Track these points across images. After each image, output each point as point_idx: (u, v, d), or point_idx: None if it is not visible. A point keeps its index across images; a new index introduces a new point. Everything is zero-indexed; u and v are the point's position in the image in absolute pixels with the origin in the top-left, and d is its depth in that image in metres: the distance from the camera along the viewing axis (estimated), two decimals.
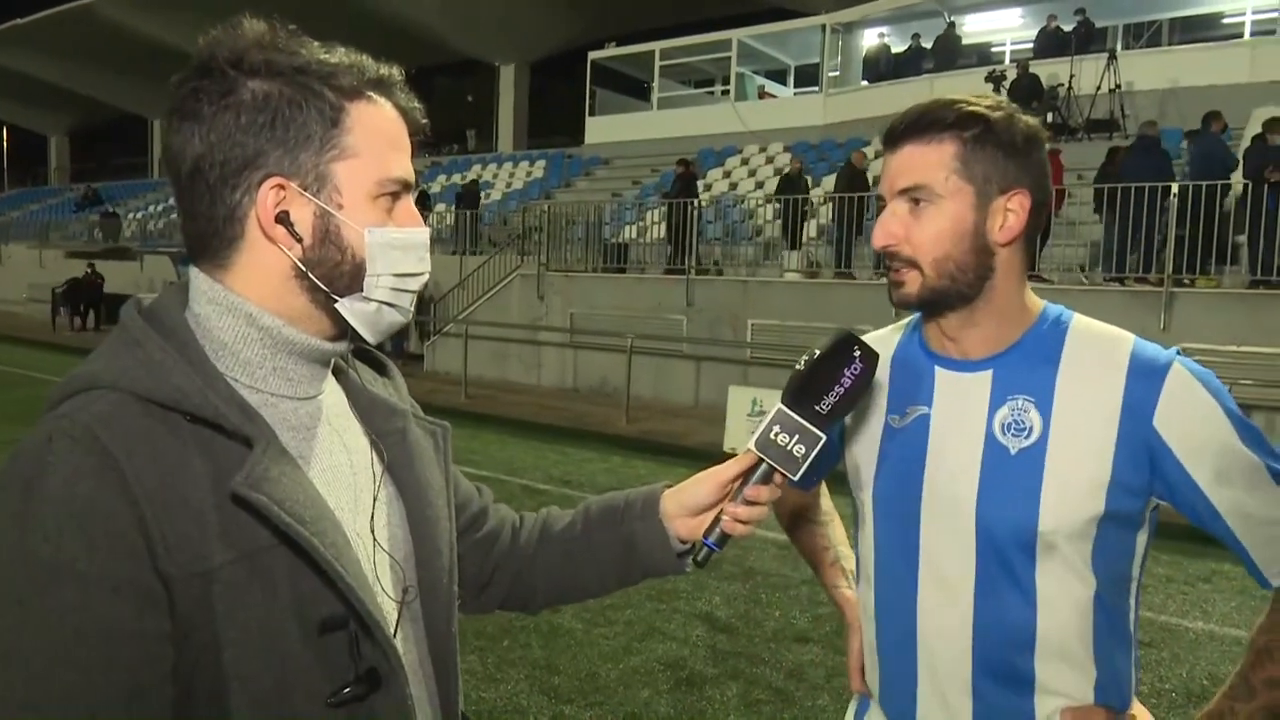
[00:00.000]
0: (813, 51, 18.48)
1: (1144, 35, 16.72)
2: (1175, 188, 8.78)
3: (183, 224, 0.82)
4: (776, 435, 0.97)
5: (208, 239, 0.81)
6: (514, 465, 7.92)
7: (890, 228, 1.11)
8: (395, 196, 0.83)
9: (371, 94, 0.82)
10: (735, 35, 18.63)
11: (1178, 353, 1.11)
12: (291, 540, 0.74)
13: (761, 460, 0.99)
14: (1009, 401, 1.12)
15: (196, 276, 0.82)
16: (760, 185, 15.12)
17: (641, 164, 17.97)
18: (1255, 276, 8.58)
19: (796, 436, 0.97)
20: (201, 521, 0.72)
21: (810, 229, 12.50)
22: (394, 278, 0.83)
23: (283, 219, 0.78)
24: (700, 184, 14.10)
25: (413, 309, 0.86)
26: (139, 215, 24.97)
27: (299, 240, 0.79)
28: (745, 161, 16.49)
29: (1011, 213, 1.10)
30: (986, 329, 1.14)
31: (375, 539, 0.86)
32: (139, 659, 0.68)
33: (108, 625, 0.67)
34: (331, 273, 0.81)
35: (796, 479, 0.99)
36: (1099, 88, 12.88)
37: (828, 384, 0.97)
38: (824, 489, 1.51)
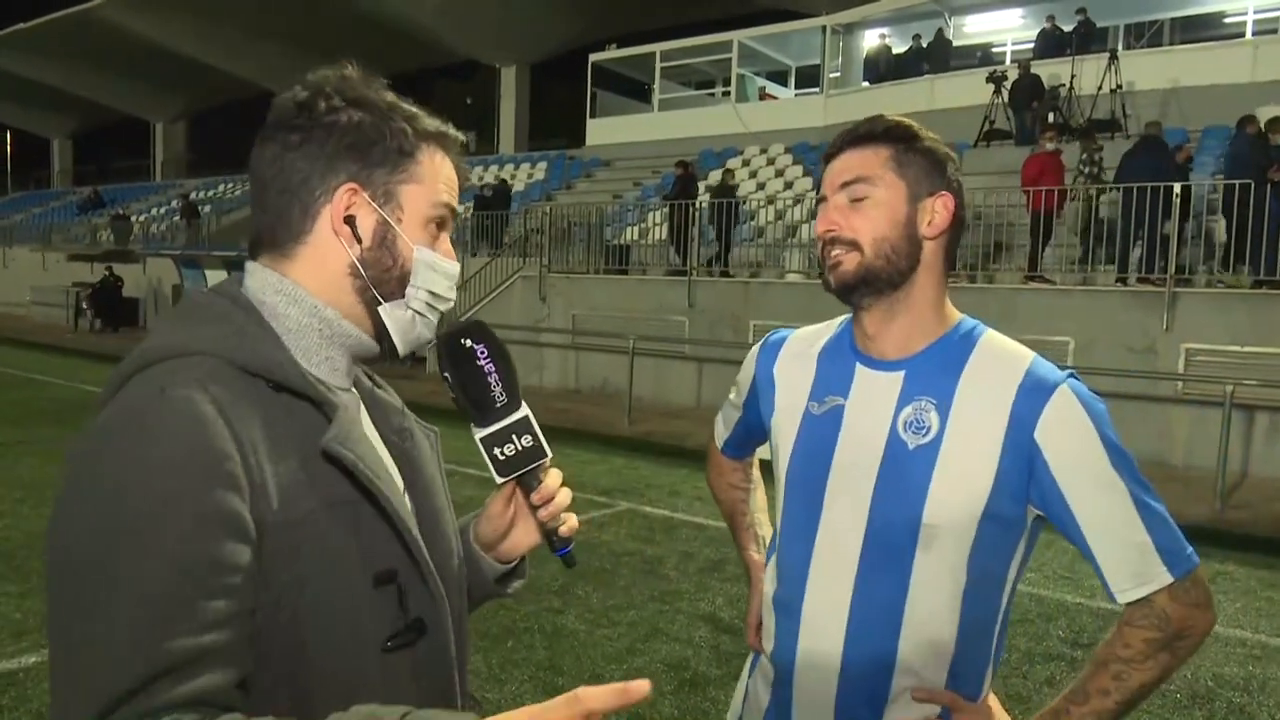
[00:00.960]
0: (813, 53, 18.49)
1: (1145, 35, 16.72)
2: (1178, 187, 8.77)
3: (255, 218, 0.93)
4: (500, 454, 0.96)
5: (278, 232, 0.91)
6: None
7: (832, 216, 1.24)
8: (440, 227, 0.95)
9: (439, 144, 0.95)
10: (736, 37, 18.65)
11: (1071, 375, 1.21)
12: (368, 495, 0.85)
13: (516, 477, 0.98)
14: (914, 401, 1.23)
15: (261, 270, 0.91)
16: (762, 187, 15.13)
17: (643, 165, 17.98)
18: (1258, 276, 8.57)
19: (511, 437, 0.96)
20: (293, 474, 0.81)
21: (813, 230, 12.50)
22: (429, 294, 0.94)
23: (350, 221, 0.90)
24: (701, 185, 14.11)
25: (437, 331, 0.97)
26: (141, 218, 25.01)
27: (359, 241, 0.91)
28: (746, 163, 16.49)
29: (938, 212, 1.24)
30: (904, 325, 1.25)
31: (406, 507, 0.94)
32: (237, 590, 0.75)
33: (215, 558, 0.74)
34: (381, 276, 0.92)
35: (549, 455, 0.98)
36: (1100, 88, 12.87)
37: (481, 383, 0.95)
38: (755, 461, 1.62)
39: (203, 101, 31.39)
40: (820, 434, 1.28)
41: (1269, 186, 8.49)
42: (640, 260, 13.51)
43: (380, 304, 0.92)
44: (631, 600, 4.59)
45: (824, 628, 1.25)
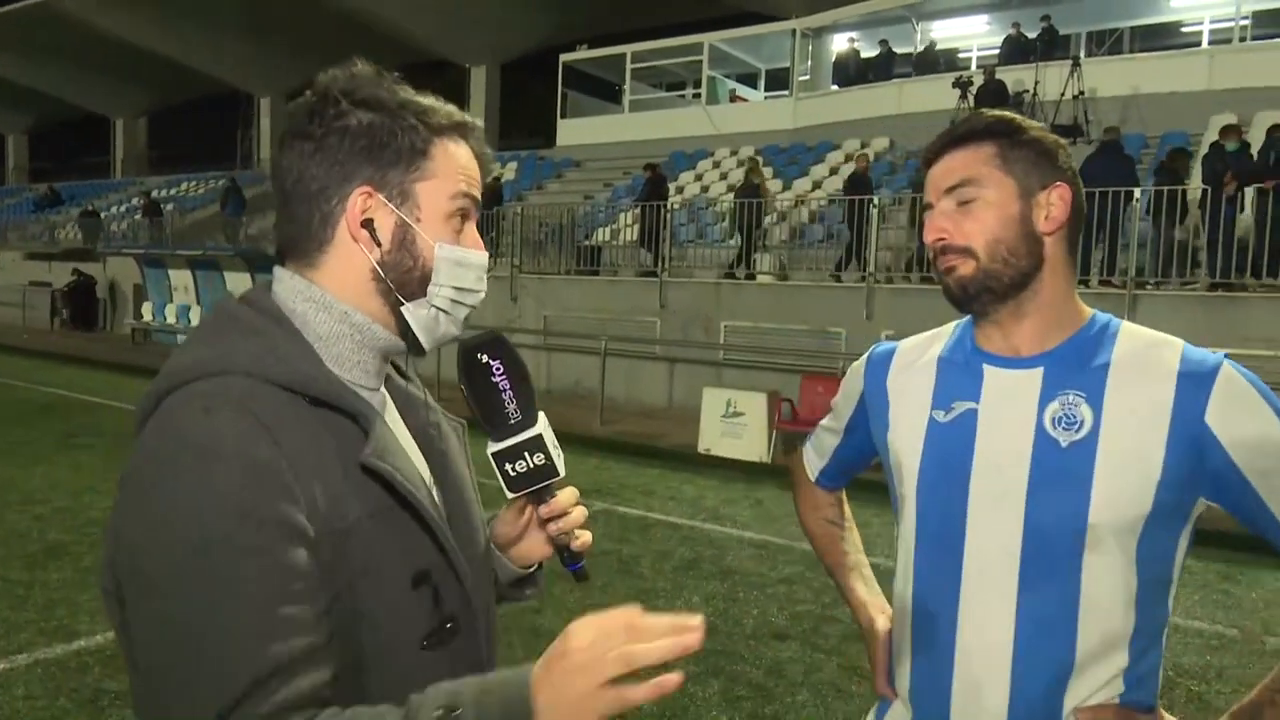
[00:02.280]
0: (783, 55, 18.63)
1: (1106, 43, 17.07)
2: (1138, 192, 8.98)
3: (280, 227, 0.93)
4: (512, 470, 0.95)
5: (301, 241, 0.92)
6: (489, 468, 7.90)
7: (940, 223, 1.16)
8: (464, 218, 0.94)
9: (456, 135, 0.94)
10: (706, 39, 18.73)
11: (1225, 356, 1.13)
12: (406, 503, 0.87)
13: (528, 493, 0.98)
14: (1059, 396, 1.13)
15: (290, 277, 0.92)
16: (732, 189, 15.23)
17: (613, 166, 17.99)
18: (1214, 279, 8.81)
19: (525, 454, 0.95)
20: (337, 484, 0.83)
21: (782, 231, 12.62)
22: (454, 290, 0.94)
23: (367, 225, 0.90)
24: (672, 187, 14.14)
25: (465, 326, 0.97)
26: (101, 216, 24.48)
27: (379, 245, 0.90)
28: (717, 164, 16.58)
29: (1054, 204, 1.15)
30: (1036, 323, 1.16)
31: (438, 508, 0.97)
32: (315, 594, 0.79)
33: (291, 565, 0.77)
34: (403, 277, 0.91)
35: (562, 473, 0.97)
36: (1063, 94, 13.14)
37: (496, 399, 0.95)
38: (844, 497, 1.51)
39: (166, 98, 30.78)
40: (952, 443, 1.18)
41: (1224, 192, 8.74)
42: (611, 261, 13.52)
43: (403, 304, 0.92)
44: (608, 600, 4.56)
45: (985, 656, 1.14)
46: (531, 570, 1.08)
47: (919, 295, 9.63)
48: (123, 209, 25.17)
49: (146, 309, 19.17)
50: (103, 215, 24.19)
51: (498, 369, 0.95)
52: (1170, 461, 1.09)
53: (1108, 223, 9.02)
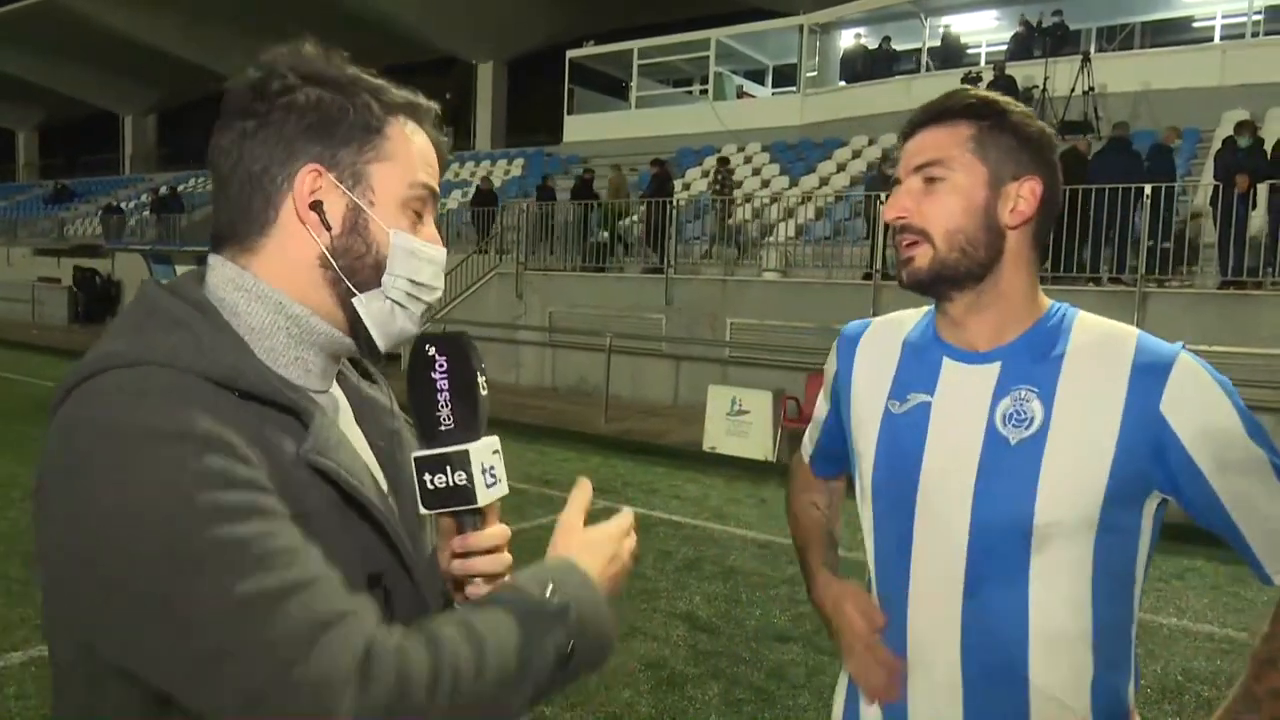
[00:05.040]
0: (790, 52, 18.55)
1: (1117, 38, 16.93)
2: (1148, 189, 8.89)
3: (216, 212, 0.86)
4: (430, 482, 0.85)
5: (239, 225, 0.85)
6: None
7: (902, 201, 1.13)
8: (421, 212, 0.89)
9: (411, 117, 0.88)
10: (713, 35, 18.66)
11: (1183, 347, 1.11)
12: (352, 500, 0.81)
13: (446, 514, 0.88)
14: (1012, 392, 1.11)
15: (222, 264, 0.85)
16: (739, 185, 15.15)
17: (620, 163, 17.94)
18: (1225, 277, 8.71)
19: (446, 468, 0.84)
20: (284, 474, 0.76)
21: (789, 228, 12.56)
22: (410, 283, 0.87)
23: (316, 207, 0.83)
24: (679, 183, 14.08)
25: (423, 324, 0.91)
26: (100, 214, 24.55)
27: (329, 228, 0.84)
28: (725, 160, 16.49)
29: (1023, 198, 1.11)
30: (992, 317, 1.14)
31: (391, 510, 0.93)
32: (299, 534, 0.73)
33: (280, 516, 0.72)
34: (354, 264, 0.85)
35: (480, 503, 0.85)
36: (1073, 90, 13.02)
37: (430, 398, 0.86)
38: (839, 491, 1.45)
39: (175, 95, 30.85)
40: (905, 436, 1.16)
41: (1236, 189, 8.64)
42: (617, 258, 13.48)
43: (354, 295, 0.85)
44: None
45: (936, 657, 1.13)
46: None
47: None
48: (131, 205, 25.24)
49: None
50: (104, 213, 24.24)
51: (440, 366, 0.86)
52: (1122, 455, 1.06)
53: (1117, 220, 8.92)
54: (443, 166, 0.92)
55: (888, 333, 1.26)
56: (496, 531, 0.90)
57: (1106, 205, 9.00)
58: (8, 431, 8.39)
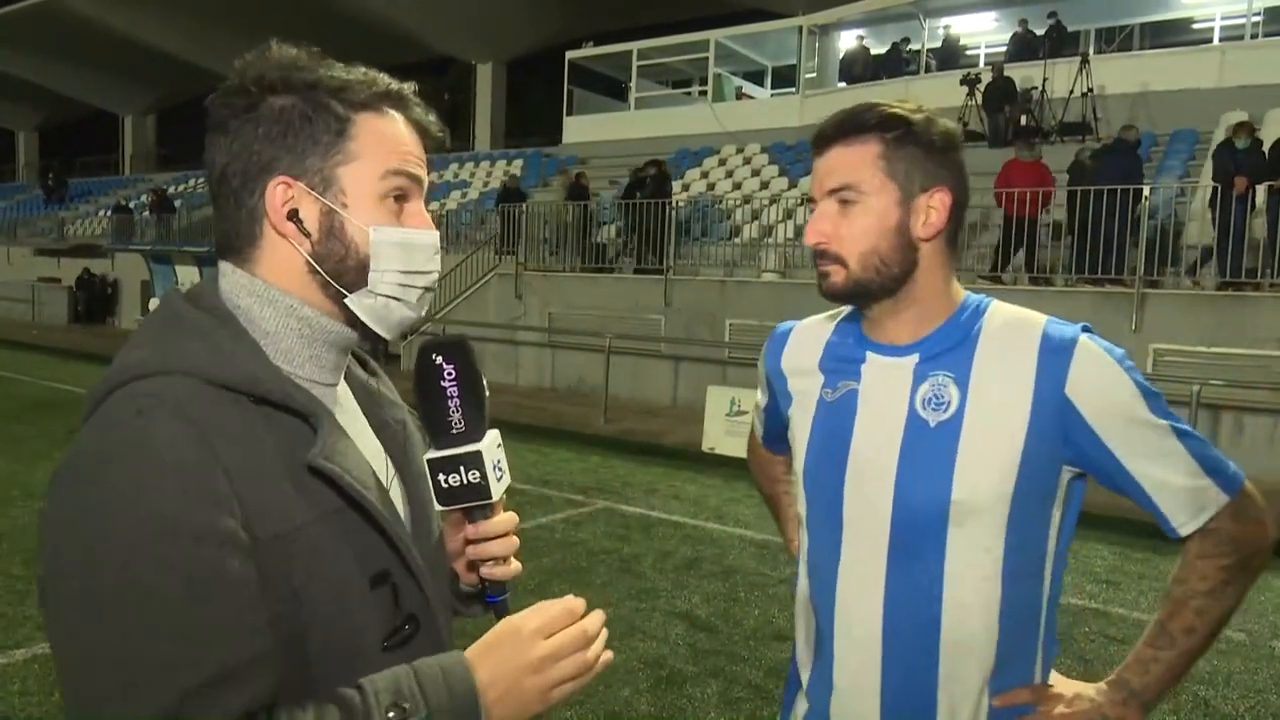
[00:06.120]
0: (789, 53, 18.56)
1: (1115, 40, 16.95)
2: (1147, 190, 8.90)
3: (215, 223, 0.90)
4: (445, 482, 0.91)
5: (233, 237, 0.88)
6: None
7: (820, 226, 1.20)
8: (402, 199, 0.89)
9: (383, 107, 0.89)
10: (713, 36, 18.66)
11: (1084, 328, 1.19)
12: (356, 504, 0.84)
13: (458, 510, 0.95)
14: (930, 378, 1.20)
15: (233, 271, 0.88)
16: (738, 186, 15.17)
17: (619, 164, 17.94)
18: (1224, 278, 8.73)
19: (460, 468, 0.91)
20: (279, 489, 0.80)
21: (788, 229, 12.57)
22: (400, 274, 0.89)
23: (292, 216, 0.86)
24: (678, 184, 14.07)
25: (425, 307, 0.93)
26: (109, 213, 24.55)
27: (307, 235, 0.86)
28: (723, 162, 16.53)
29: (933, 209, 1.18)
30: (911, 316, 1.22)
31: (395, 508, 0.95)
32: (252, 604, 0.76)
33: (222, 574, 0.74)
34: (338, 267, 0.87)
35: (495, 498, 0.93)
36: (1071, 91, 13.04)
37: (441, 405, 0.91)
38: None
39: (174, 95, 30.83)
40: (836, 421, 1.25)
41: (1233, 191, 8.66)
42: (616, 259, 13.49)
43: (345, 296, 0.88)
44: (608, 598, 4.58)
45: (861, 624, 1.21)
46: (478, 588, 1.04)
47: None
48: (130, 205, 25.22)
49: (153, 305, 19.25)
50: (113, 213, 24.22)
51: (449, 374, 0.90)
52: (1033, 435, 1.14)
53: (1116, 222, 8.94)
54: (430, 144, 0.92)
55: (816, 328, 1.36)
56: (505, 518, 0.96)
57: (1105, 207, 9.01)
58: (7, 431, 8.40)
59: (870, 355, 1.25)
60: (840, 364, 1.28)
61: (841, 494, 1.23)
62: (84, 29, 25.66)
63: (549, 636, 0.82)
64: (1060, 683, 1.24)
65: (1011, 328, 1.20)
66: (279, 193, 0.85)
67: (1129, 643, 4.35)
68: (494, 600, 0.97)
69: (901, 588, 1.18)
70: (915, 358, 1.21)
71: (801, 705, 1.32)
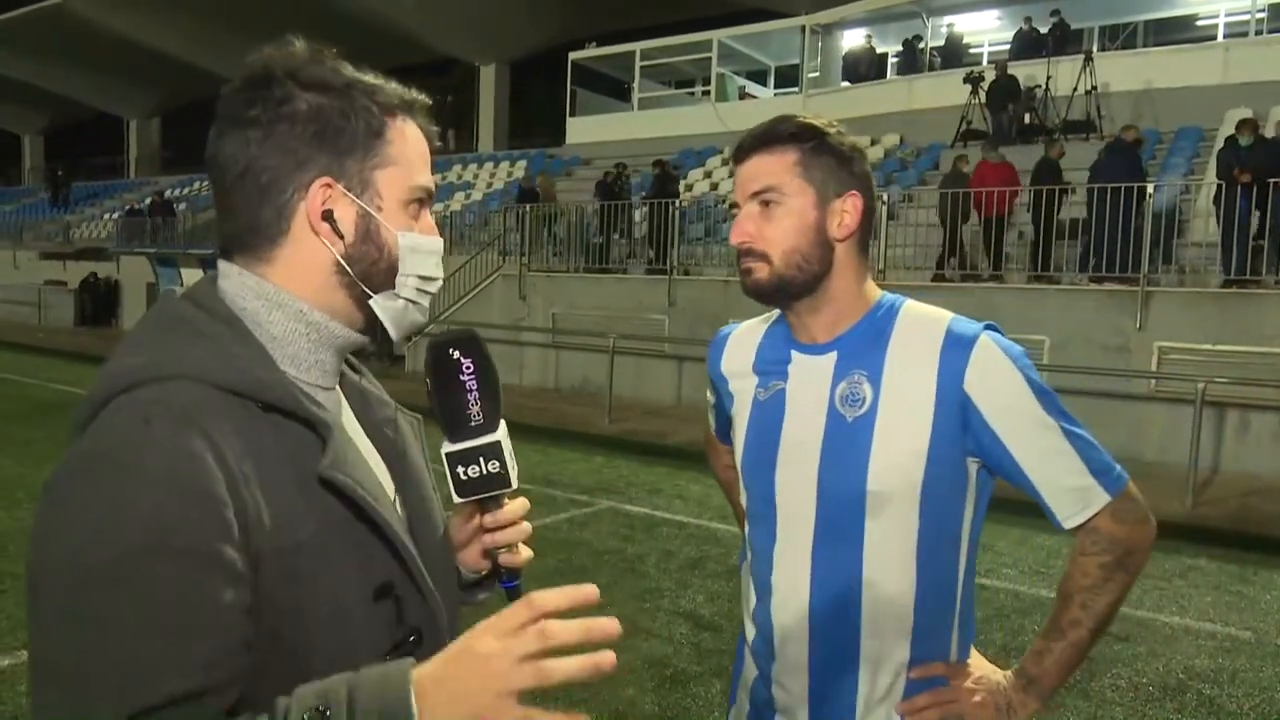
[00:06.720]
0: (792, 52, 18.55)
1: (1119, 37, 16.91)
2: (1151, 188, 8.89)
3: (221, 222, 0.87)
4: (464, 474, 0.92)
5: (248, 236, 0.86)
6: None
7: (745, 227, 1.28)
8: (421, 205, 0.91)
9: (405, 113, 0.89)
10: (715, 36, 18.66)
11: (987, 327, 1.27)
12: (364, 515, 0.83)
13: (476, 500, 0.96)
14: (848, 376, 1.29)
15: (239, 273, 0.86)
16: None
17: (620, 163, 17.95)
18: (1228, 276, 8.70)
19: (480, 459, 0.92)
20: (288, 500, 0.78)
21: None
22: (419, 279, 0.90)
23: (328, 217, 0.85)
24: (681, 184, 14.06)
25: (427, 313, 0.94)
26: (115, 216, 24.64)
27: (342, 237, 0.86)
28: (726, 162, 16.52)
29: (847, 212, 1.28)
30: (829, 314, 1.31)
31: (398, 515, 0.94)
32: (226, 629, 0.72)
33: (201, 597, 0.71)
34: (369, 270, 0.87)
35: (514, 485, 0.95)
36: (1075, 89, 13.01)
37: (460, 398, 0.92)
38: None
39: (178, 98, 30.91)
40: (767, 418, 1.35)
41: (1239, 187, 8.63)
42: (620, 259, 13.50)
43: (371, 297, 0.88)
44: (612, 598, 4.59)
45: (792, 601, 1.31)
46: (483, 575, 1.04)
47: (928, 293, 9.55)
48: (140, 208, 25.30)
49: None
50: (116, 215, 24.29)
51: (468, 367, 0.92)
52: (938, 429, 1.23)
53: (1119, 220, 8.92)
54: (432, 153, 0.93)
55: (749, 333, 1.45)
56: (519, 505, 0.98)
57: (1109, 206, 8.99)
58: (12, 433, 8.43)
59: (795, 355, 1.34)
60: (770, 365, 1.37)
61: (774, 486, 1.32)
62: (88, 32, 25.74)
63: (505, 638, 0.71)
64: (976, 662, 1.34)
65: (920, 326, 1.28)
66: (320, 192, 0.84)
67: (1132, 641, 4.34)
68: (510, 585, 0.99)
69: (827, 570, 1.28)
70: (834, 355, 1.30)
71: (751, 671, 1.43)
